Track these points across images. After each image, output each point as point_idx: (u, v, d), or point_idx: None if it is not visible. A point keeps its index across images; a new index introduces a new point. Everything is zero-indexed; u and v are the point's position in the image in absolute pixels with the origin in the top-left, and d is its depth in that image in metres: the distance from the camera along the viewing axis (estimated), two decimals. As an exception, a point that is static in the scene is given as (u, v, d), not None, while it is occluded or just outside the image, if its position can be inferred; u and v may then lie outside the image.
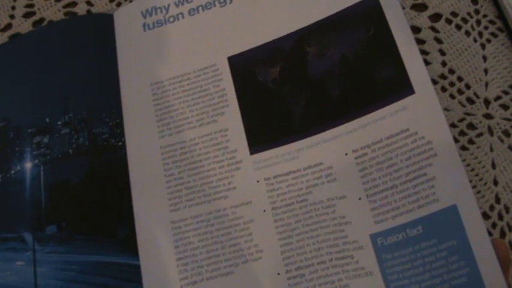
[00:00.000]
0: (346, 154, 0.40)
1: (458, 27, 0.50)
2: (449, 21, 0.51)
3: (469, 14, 0.51)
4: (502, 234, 0.44)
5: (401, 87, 0.40)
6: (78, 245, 0.40)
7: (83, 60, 0.46)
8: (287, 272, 0.37)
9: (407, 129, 0.39)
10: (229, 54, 0.45)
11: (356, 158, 0.39)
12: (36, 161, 0.43)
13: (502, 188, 0.45)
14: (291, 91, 0.42)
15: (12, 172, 0.43)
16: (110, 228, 0.40)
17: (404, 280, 0.36)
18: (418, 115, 0.39)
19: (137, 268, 0.38)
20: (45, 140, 0.44)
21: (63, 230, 0.40)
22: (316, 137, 0.41)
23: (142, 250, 0.39)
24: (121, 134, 0.43)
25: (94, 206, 0.41)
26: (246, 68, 0.44)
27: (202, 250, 0.39)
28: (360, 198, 0.38)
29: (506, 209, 0.44)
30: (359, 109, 0.40)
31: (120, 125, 0.43)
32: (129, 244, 0.39)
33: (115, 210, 0.41)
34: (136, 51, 0.46)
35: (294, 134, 0.41)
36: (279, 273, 0.37)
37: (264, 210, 0.39)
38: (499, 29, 0.50)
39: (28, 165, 0.43)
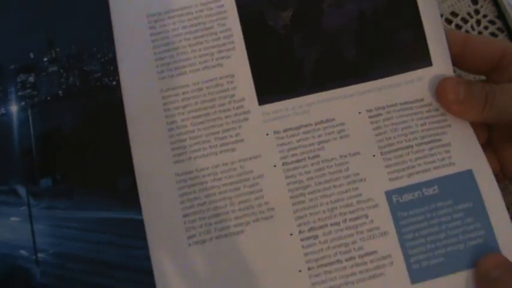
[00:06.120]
0: (359, 113, 0.38)
1: (458, 27, 0.50)
2: (449, 21, 0.51)
3: (469, 14, 0.51)
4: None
5: (419, 58, 0.39)
6: (77, 200, 0.37)
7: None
8: (300, 232, 0.36)
9: (422, 99, 0.39)
10: (236, -11, 0.41)
11: (370, 117, 0.38)
12: (23, 103, 0.39)
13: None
14: (303, 41, 0.39)
15: (-3, 116, 0.39)
16: (108, 179, 0.38)
17: (420, 239, 0.36)
18: (434, 88, 0.38)
19: (140, 223, 0.37)
20: (31, 78, 0.40)
21: (58, 183, 0.38)
22: (328, 92, 0.39)
23: (145, 204, 0.37)
24: (114, 72, 0.39)
25: (90, 155, 0.38)
26: (254, 7, 0.40)
27: (209, 206, 0.37)
28: (374, 155, 0.37)
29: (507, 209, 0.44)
30: (374, 71, 0.39)
31: (113, 60, 0.39)
32: (130, 197, 0.37)
33: (113, 160, 0.38)
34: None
35: (305, 87, 0.39)
36: (291, 234, 0.36)
37: (274, 166, 0.37)
38: (499, 29, 0.50)
39: (14, 108, 0.39)
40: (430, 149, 0.38)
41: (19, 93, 0.40)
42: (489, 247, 0.36)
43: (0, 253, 0.37)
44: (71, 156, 0.38)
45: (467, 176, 0.37)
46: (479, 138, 0.38)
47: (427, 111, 0.38)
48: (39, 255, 0.37)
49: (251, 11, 0.40)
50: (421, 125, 0.38)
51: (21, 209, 0.37)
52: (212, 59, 0.39)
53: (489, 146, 0.40)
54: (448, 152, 0.37)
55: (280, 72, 0.39)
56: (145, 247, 0.36)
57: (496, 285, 0.34)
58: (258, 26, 0.40)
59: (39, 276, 0.36)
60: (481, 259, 0.35)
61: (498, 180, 0.37)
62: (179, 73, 0.39)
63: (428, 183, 0.37)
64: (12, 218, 0.37)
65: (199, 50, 0.40)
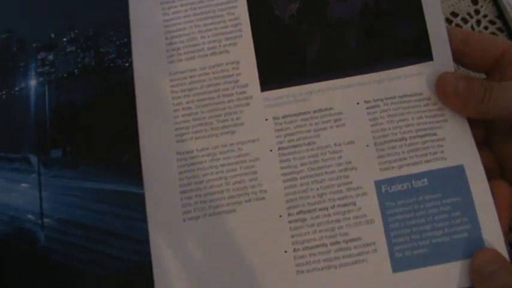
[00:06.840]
0: (357, 103, 0.39)
1: (459, 27, 0.50)
2: (449, 22, 0.51)
3: (469, 14, 0.51)
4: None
5: (420, 52, 0.40)
6: (84, 171, 0.40)
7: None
8: (289, 215, 0.38)
9: (421, 94, 0.39)
10: (246, -20, 0.42)
11: (367, 108, 0.39)
12: (41, 79, 0.42)
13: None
14: (308, 31, 0.41)
15: (17, 89, 0.42)
16: (114, 154, 0.40)
17: (406, 229, 0.37)
18: (433, 83, 0.39)
19: (141, 197, 0.39)
20: (50, 57, 0.42)
21: (67, 154, 0.40)
22: (329, 82, 0.40)
23: (146, 179, 0.39)
24: (128, 54, 0.42)
25: (99, 130, 0.41)
26: (263, -2, 0.42)
27: (206, 185, 0.39)
28: (367, 145, 0.38)
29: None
30: (375, 64, 0.40)
31: (127, 44, 0.42)
32: (133, 172, 0.39)
33: (120, 136, 0.40)
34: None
35: (307, 76, 0.40)
36: (280, 216, 0.38)
37: (271, 150, 0.39)
38: (499, 29, 0.50)
39: (33, 82, 0.42)
40: (424, 142, 0.38)
41: (38, 70, 0.42)
42: (474, 242, 0.36)
43: (9, 216, 0.39)
44: (81, 130, 0.41)
45: (458, 171, 0.37)
46: (476, 136, 0.38)
47: (424, 105, 0.39)
48: (45, 220, 0.39)
49: (259, 2, 0.42)
50: (418, 118, 0.39)
51: (32, 177, 0.40)
52: (220, 46, 0.41)
53: (487, 144, 0.40)
54: (441, 146, 0.38)
55: (283, 61, 0.41)
56: (144, 219, 0.38)
57: (490, 280, 0.34)
58: (265, 16, 0.41)
59: (43, 239, 0.39)
60: (476, 253, 0.36)
61: (489, 178, 0.37)
62: (188, 58, 0.41)
63: (418, 176, 0.37)
64: (23, 184, 0.40)
65: (208, 36, 0.41)
